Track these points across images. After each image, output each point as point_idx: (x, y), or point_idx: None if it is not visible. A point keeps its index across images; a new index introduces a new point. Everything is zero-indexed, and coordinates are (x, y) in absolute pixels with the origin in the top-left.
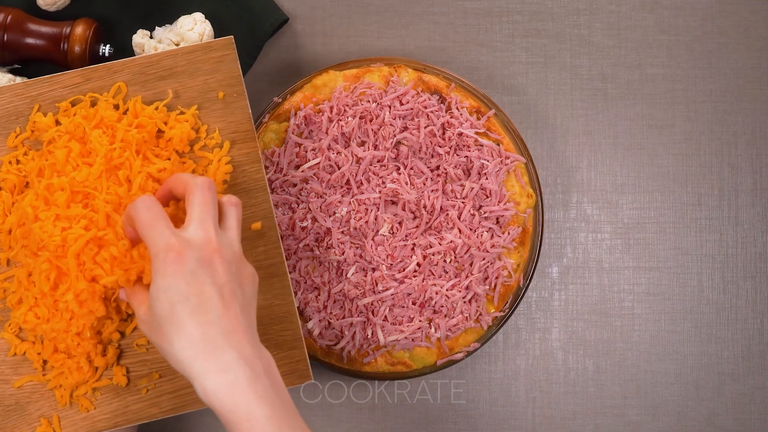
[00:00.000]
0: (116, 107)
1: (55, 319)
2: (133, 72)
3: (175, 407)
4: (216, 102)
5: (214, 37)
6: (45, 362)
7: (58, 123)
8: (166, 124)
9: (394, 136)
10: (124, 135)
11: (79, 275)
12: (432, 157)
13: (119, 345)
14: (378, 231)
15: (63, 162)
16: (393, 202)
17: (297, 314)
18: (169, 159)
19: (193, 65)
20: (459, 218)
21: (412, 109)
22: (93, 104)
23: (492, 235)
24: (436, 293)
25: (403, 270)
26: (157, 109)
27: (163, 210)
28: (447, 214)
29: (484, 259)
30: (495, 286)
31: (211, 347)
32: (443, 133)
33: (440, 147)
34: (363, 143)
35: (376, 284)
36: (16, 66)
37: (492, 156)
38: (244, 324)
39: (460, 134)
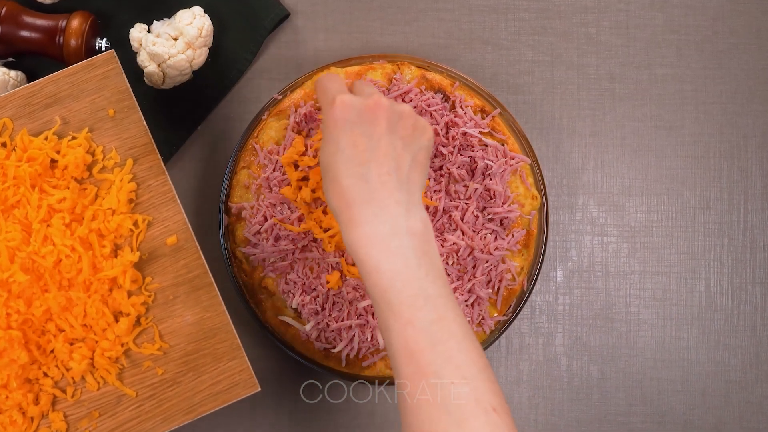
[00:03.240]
0: (3, 145)
1: None
2: (17, 105)
3: None
4: (107, 120)
5: (213, 32)
6: None
7: None
8: (58, 152)
9: None
10: (15, 172)
11: None
12: (435, 156)
13: (52, 387)
14: None
15: None
16: None
17: (231, 323)
18: (68, 188)
19: (77, 87)
20: (462, 220)
21: (415, 107)
22: None
23: (496, 237)
24: None
25: None
26: (46, 139)
27: (343, 81)
28: (450, 216)
29: (487, 261)
30: (498, 289)
31: (355, 200)
32: (447, 133)
33: (444, 146)
34: None
35: None
36: (11, 59)
37: (496, 156)
38: (395, 182)
39: (464, 134)
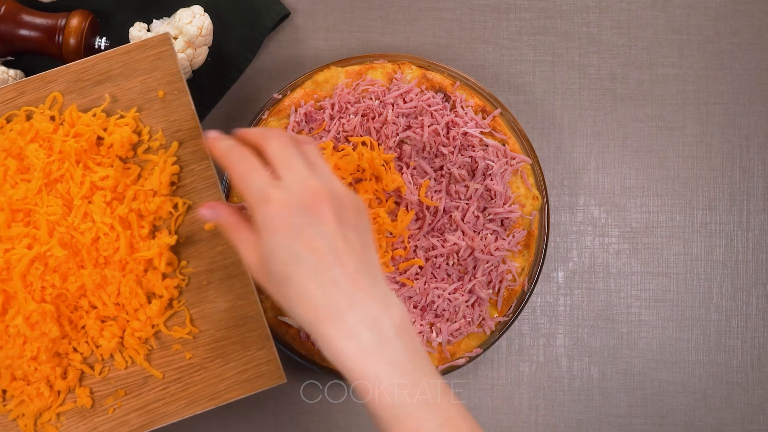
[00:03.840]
0: (52, 119)
1: (8, 345)
2: (68, 80)
3: (144, 424)
4: (157, 101)
5: (213, 31)
6: (4, 392)
7: None
8: (105, 130)
9: (397, 134)
10: (61, 146)
11: (28, 297)
12: (436, 156)
13: (81, 363)
14: None
15: (0, 182)
16: (396, 203)
17: (262, 313)
18: (111, 166)
19: (129, 66)
20: (463, 220)
21: (415, 107)
22: (29, 118)
23: (496, 237)
24: (438, 297)
25: (405, 272)
26: (94, 115)
27: (256, 159)
28: (450, 216)
29: (488, 262)
30: (499, 290)
31: (335, 311)
32: (447, 133)
33: (444, 146)
34: None
35: None
36: (10, 58)
37: (497, 156)
38: (366, 278)
39: (465, 134)
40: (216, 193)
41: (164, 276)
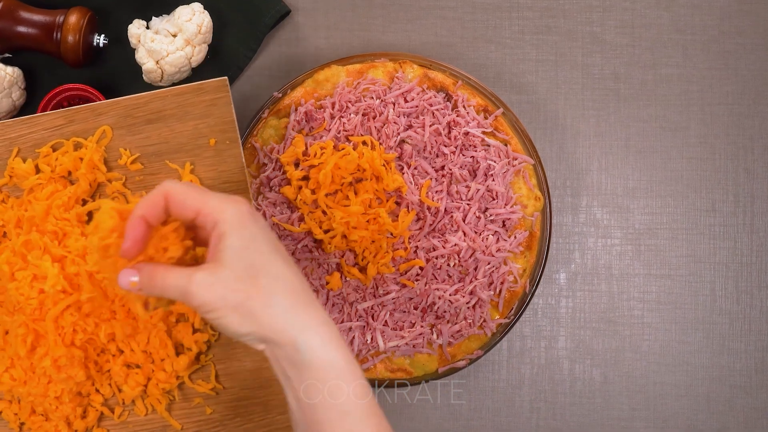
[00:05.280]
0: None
1: (33, 382)
2: (119, 114)
3: None
4: (207, 149)
5: (213, 29)
6: (22, 424)
7: (38, 169)
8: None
9: (398, 134)
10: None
11: (58, 340)
12: (437, 156)
13: (101, 405)
14: None
15: (42, 216)
16: (396, 203)
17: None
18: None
19: (182, 108)
20: (464, 221)
21: (417, 106)
22: (77, 148)
23: (498, 238)
24: (439, 298)
25: (405, 273)
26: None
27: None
28: (452, 216)
29: (489, 263)
30: (500, 291)
31: (308, 299)
32: (449, 132)
33: (446, 146)
34: None
35: (377, 288)
36: (7, 55)
37: (499, 157)
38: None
39: (467, 134)
40: None
41: (194, 329)
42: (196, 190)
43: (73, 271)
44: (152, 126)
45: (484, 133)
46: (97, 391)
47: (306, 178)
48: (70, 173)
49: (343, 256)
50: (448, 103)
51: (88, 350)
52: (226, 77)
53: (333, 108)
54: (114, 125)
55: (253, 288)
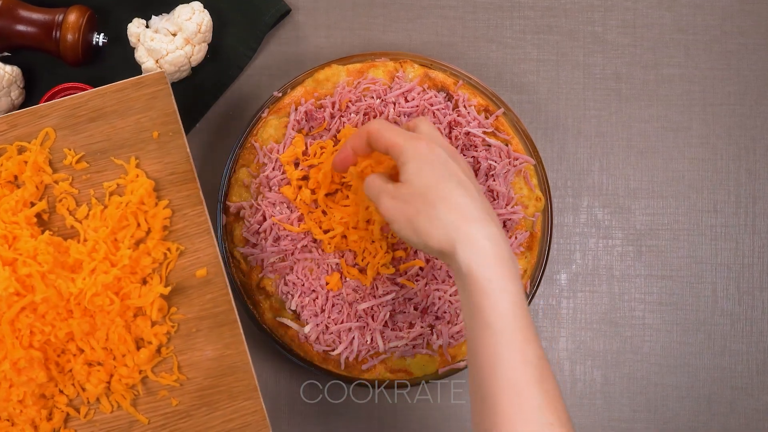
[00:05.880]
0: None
1: None
2: (61, 115)
3: None
4: (151, 142)
5: (213, 28)
6: None
7: None
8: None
9: None
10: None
11: (15, 342)
12: None
13: (66, 405)
14: None
15: None
16: None
17: (250, 363)
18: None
19: (124, 104)
20: None
21: (417, 106)
22: (20, 152)
23: None
24: (439, 298)
25: (405, 273)
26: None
27: None
28: None
29: None
30: None
31: (476, 216)
32: (450, 132)
33: None
34: None
35: (376, 288)
36: (7, 54)
37: (500, 157)
38: (494, 212)
39: (468, 134)
40: (208, 239)
41: (153, 322)
42: (390, 130)
43: (25, 272)
44: (95, 124)
45: (485, 133)
46: (61, 392)
47: (306, 178)
48: (16, 177)
49: (342, 257)
50: (448, 102)
51: (48, 351)
52: (163, 71)
53: (333, 107)
54: (57, 126)
55: (423, 204)
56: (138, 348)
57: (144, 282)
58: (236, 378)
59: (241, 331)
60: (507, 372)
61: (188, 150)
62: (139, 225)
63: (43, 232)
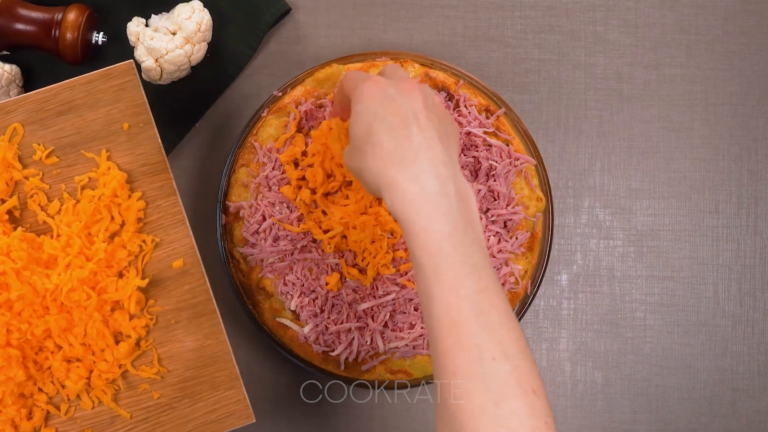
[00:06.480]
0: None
1: None
2: (29, 110)
3: None
4: (121, 134)
5: (213, 27)
6: None
7: None
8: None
9: None
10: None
11: None
12: None
13: (46, 403)
14: None
15: None
16: None
17: (231, 352)
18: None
19: (92, 96)
20: None
21: None
22: None
23: (499, 239)
24: None
25: (406, 274)
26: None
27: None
28: None
29: None
30: None
31: (403, 159)
32: None
33: None
34: None
35: (377, 288)
36: (5, 53)
37: (501, 157)
38: (439, 147)
39: (468, 133)
40: (183, 230)
41: (131, 316)
42: (349, 77)
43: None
44: (64, 117)
45: (485, 133)
46: (40, 389)
47: (305, 178)
48: None
49: (342, 257)
50: (449, 102)
51: (25, 349)
52: (131, 60)
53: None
54: (25, 121)
55: (359, 153)
56: (117, 342)
57: (120, 275)
58: (217, 368)
59: (221, 321)
60: (441, 311)
61: (159, 141)
62: (113, 218)
63: (15, 229)
